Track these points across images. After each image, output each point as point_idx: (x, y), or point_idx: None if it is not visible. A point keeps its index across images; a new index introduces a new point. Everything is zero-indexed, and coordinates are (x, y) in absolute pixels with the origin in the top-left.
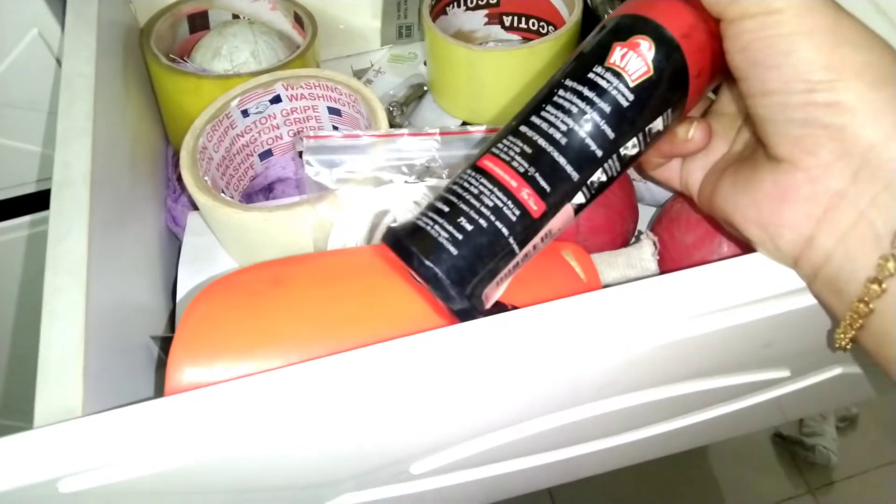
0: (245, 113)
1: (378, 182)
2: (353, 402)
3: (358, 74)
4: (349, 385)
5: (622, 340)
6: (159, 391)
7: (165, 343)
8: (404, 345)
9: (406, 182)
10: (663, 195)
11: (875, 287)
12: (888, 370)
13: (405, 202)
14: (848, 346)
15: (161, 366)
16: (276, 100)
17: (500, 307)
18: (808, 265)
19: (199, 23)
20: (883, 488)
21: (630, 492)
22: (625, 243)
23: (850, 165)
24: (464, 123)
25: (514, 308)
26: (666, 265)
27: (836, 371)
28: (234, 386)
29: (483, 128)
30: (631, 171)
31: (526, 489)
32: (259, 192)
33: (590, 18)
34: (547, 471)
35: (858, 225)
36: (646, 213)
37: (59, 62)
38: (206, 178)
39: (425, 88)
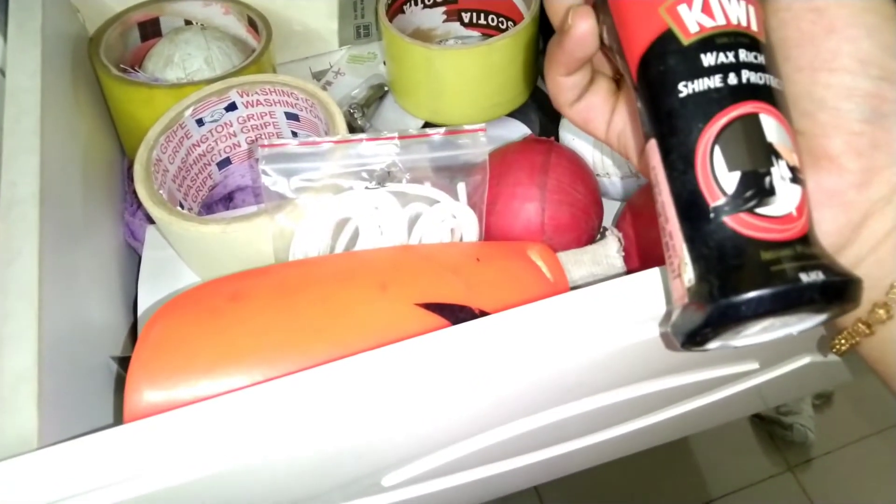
0: (200, 122)
1: (338, 189)
2: (319, 418)
3: (317, 76)
4: (315, 401)
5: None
6: (119, 412)
7: (126, 363)
8: (371, 358)
9: (367, 188)
10: (628, 191)
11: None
12: (890, 379)
13: (366, 208)
14: (844, 352)
15: (121, 386)
16: (232, 107)
17: (468, 313)
18: None
19: (151, 30)
20: (860, 462)
21: (612, 476)
22: (590, 240)
23: None
24: (426, 123)
25: (483, 313)
26: (632, 261)
27: (805, 360)
28: (194, 409)
29: (442, 130)
30: (595, 167)
31: (506, 491)
32: (219, 202)
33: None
34: (525, 472)
35: (894, 232)
36: (611, 209)
37: (3, 74)
38: (161, 190)
39: (386, 89)
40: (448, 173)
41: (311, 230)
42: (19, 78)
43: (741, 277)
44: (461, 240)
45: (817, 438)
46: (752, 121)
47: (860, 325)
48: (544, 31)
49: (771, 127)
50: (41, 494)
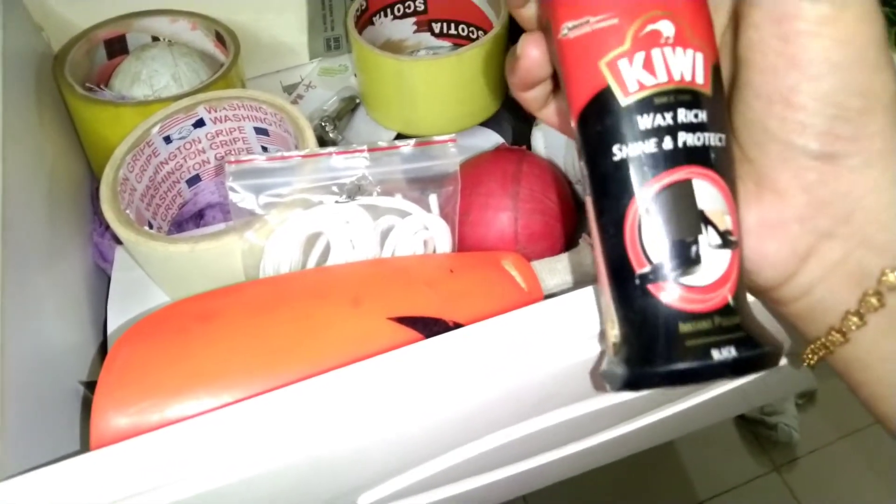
0: (168, 139)
1: (307, 204)
2: (290, 438)
3: (288, 90)
4: (285, 421)
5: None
6: (87, 438)
7: (95, 387)
8: (341, 375)
9: (337, 202)
10: None
11: (855, 319)
12: (856, 391)
13: (337, 223)
14: (814, 366)
15: (90, 411)
16: (200, 123)
17: (443, 326)
18: (781, 297)
19: (118, 48)
20: (844, 459)
21: (599, 479)
22: (564, 248)
23: (846, 207)
24: (399, 135)
25: (458, 325)
26: None
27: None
28: (161, 434)
29: (412, 141)
30: (568, 174)
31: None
32: (190, 220)
33: (516, 22)
34: (505, 485)
35: (846, 261)
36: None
37: None
38: (128, 210)
39: (357, 101)
40: (419, 185)
41: (282, 246)
42: None
43: (657, 349)
44: (434, 252)
45: (802, 437)
46: (685, 188)
47: (835, 334)
48: (514, 39)
49: (704, 192)
50: None
